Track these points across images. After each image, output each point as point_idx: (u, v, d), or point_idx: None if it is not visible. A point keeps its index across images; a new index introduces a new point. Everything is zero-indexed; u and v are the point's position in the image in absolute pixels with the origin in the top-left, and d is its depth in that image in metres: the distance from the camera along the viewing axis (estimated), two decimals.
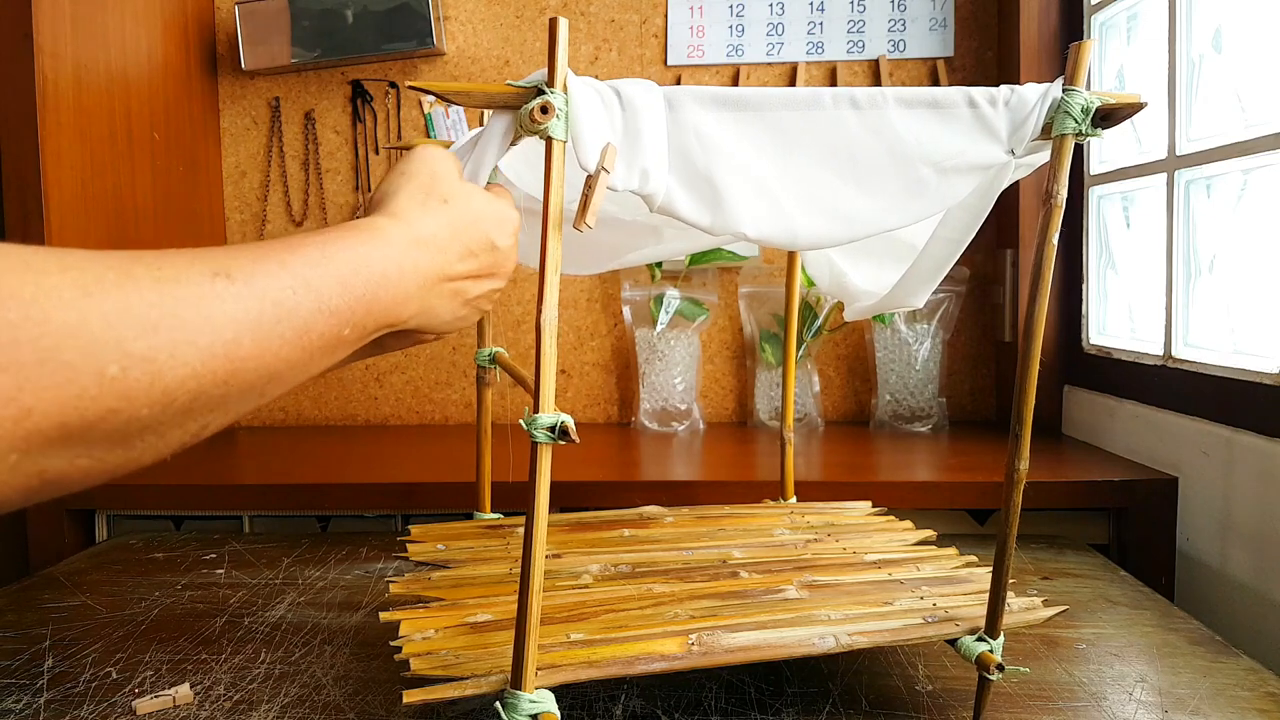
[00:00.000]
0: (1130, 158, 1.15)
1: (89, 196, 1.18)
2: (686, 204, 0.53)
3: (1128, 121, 0.54)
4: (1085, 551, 0.99)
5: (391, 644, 0.59)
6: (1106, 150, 1.23)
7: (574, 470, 1.09)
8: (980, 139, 0.54)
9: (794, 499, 0.92)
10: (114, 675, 0.71)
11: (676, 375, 1.39)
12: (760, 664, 0.65)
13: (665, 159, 0.52)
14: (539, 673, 0.52)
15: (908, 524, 0.84)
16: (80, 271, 0.32)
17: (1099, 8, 1.22)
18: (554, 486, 0.50)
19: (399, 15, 1.39)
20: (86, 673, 0.71)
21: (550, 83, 0.49)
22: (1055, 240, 0.54)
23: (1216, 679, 0.69)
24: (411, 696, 0.53)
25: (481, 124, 0.56)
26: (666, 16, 1.45)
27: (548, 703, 0.50)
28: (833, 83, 1.44)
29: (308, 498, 1.08)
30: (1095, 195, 1.25)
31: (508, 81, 0.50)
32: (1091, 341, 1.25)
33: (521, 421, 0.48)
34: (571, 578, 0.71)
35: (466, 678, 0.54)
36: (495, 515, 0.85)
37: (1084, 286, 1.26)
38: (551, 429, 0.48)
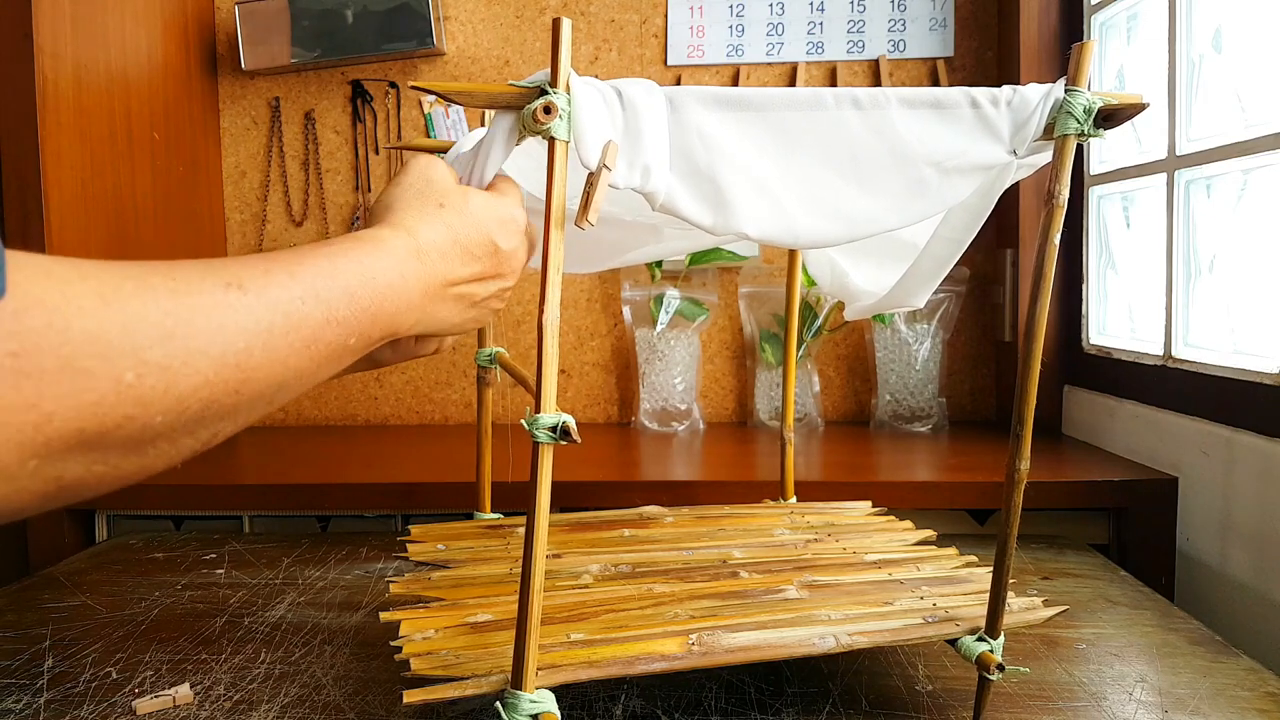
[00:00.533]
0: (1130, 158, 1.15)
1: (89, 196, 1.18)
2: (688, 203, 0.53)
3: (1128, 121, 0.54)
4: (1085, 551, 0.99)
5: (391, 644, 0.59)
6: (1106, 150, 1.23)
7: (574, 470, 1.09)
8: (982, 139, 0.54)
9: (794, 499, 0.92)
10: (114, 675, 0.71)
11: (676, 375, 1.39)
12: (760, 664, 0.65)
13: (667, 158, 0.52)
14: (539, 673, 0.52)
15: (908, 524, 0.84)
16: (99, 281, 0.32)
17: (1099, 8, 1.22)
18: (554, 486, 0.50)
19: (399, 15, 1.39)
20: (86, 673, 0.71)
21: (553, 83, 0.49)
22: (1057, 240, 0.54)
23: (1216, 679, 0.69)
24: (412, 696, 0.53)
25: (483, 124, 0.56)
26: (666, 16, 1.45)
27: (548, 703, 0.50)
28: (833, 83, 1.45)
29: (308, 498, 1.08)
30: (1095, 195, 1.25)
31: (510, 81, 0.50)
32: (1091, 341, 1.25)
33: (523, 421, 0.48)
34: (572, 578, 0.71)
35: (467, 678, 0.54)
36: (495, 515, 0.85)
37: (1084, 286, 1.26)
38: (553, 429, 0.48)
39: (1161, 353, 1.05)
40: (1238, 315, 0.95)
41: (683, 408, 1.39)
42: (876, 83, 1.43)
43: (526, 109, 0.49)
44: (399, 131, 1.48)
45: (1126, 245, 1.20)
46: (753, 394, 1.44)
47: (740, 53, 1.44)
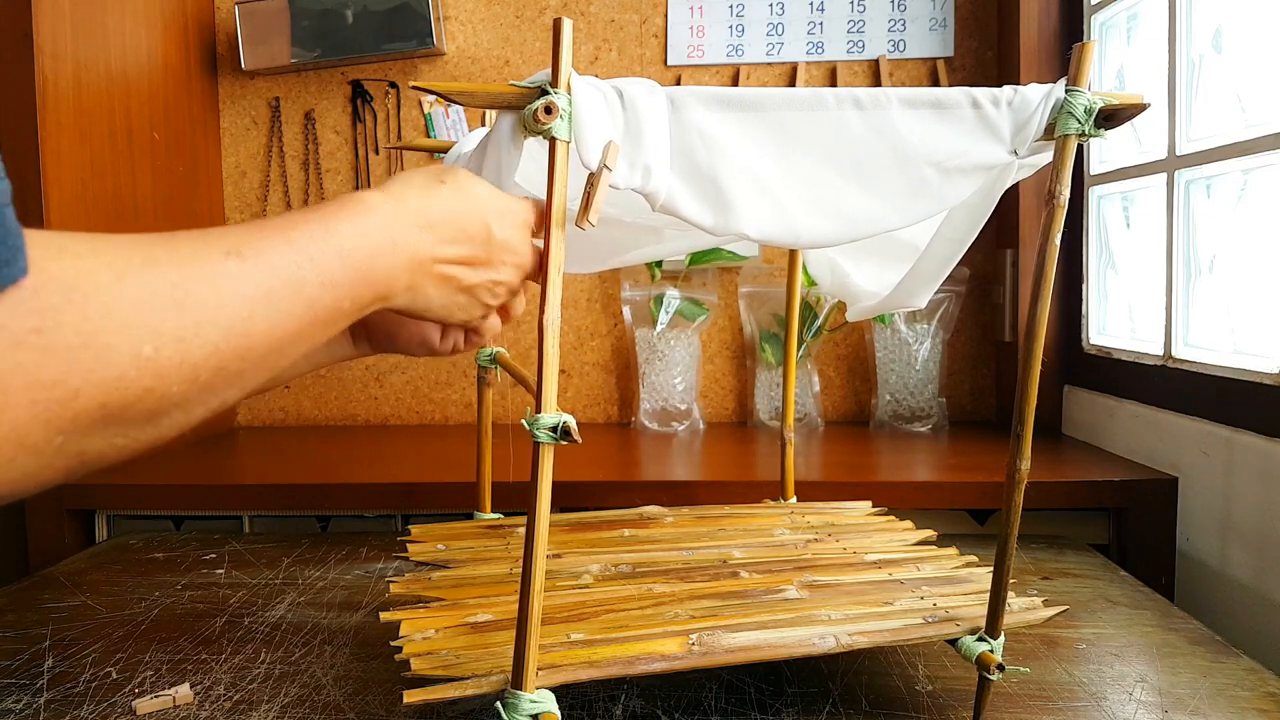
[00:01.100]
0: (1130, 158, 1.15)
1: (89, 196, 1.18)
2: (689, 203, 0.53)
3: (1128, 121, 0.54)
4: (1085, 551, 0.99)
5: (392, 644, 0.59)
6: (1107, 150, 1.23)
7: (574, 470, 1.09)
8: (983, 139, 0.55)
9: (794, 499, 0.92)
10: (114, 675, 0.71)
11: (676, 375, 1.39)
12: (760, 664, 0.65)
13: (667, 158, 0.52)
14: (539, 673, 0.52)
15: (908, 524, 0.84)
16: (110, 255, 0.33)
17: (1099, 8, 1.22)
18: (554, 486, 0.50)
19: (399, 15, 1.39)
20: (86, 673, 0.71)
21: (554, 83, 0.49)
22: (1057, 240, 0.54)
23: (1216, 679, 0.69)
24: (412, 696, 0.53)
25: (483, 124, 0.56)
26: (666, 16, 1.45)
27: (548, 703, 0.50)
28: (833, 83, 1.44)
29: (308, 498, 1.08)
30: (1095, 195, 1.25)
31: (511, 82, 0.50)
32: (1091, 341, 1.25)
33: (524, 421, 0.48)
34: (572, 578, 0.71)
35: (467, 678, 0.54)
36: (495, 515, 0.85)
37: (1084, 286, 1.26)
38: (554, 429, 0.48)
39: (1161, 353, 1.05)
40: (1238, 315, 0.95)
41: (683, 408, 1.39)
42: (876, 83, 1.43)
43: (527, 109, 0.49)
44: (399, 131, 1.48)
45: (1126, 245, 1.20)
46: (753, 394, 1.44)
47: (740, 53, 1.44)
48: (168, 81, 1.36)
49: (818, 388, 1.42)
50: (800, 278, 0.89)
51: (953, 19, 1.42)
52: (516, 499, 0.97)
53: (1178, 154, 1.02)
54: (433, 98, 1.47)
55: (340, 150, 1.49)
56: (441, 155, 0.60)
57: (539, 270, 0.53)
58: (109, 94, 1.22)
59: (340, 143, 1.49)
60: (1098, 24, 1.24)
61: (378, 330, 0.59)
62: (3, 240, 0.29)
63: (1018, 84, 0.55)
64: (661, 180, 0.52)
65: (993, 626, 0.60)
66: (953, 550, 0.77)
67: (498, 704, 0.50)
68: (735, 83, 1.46)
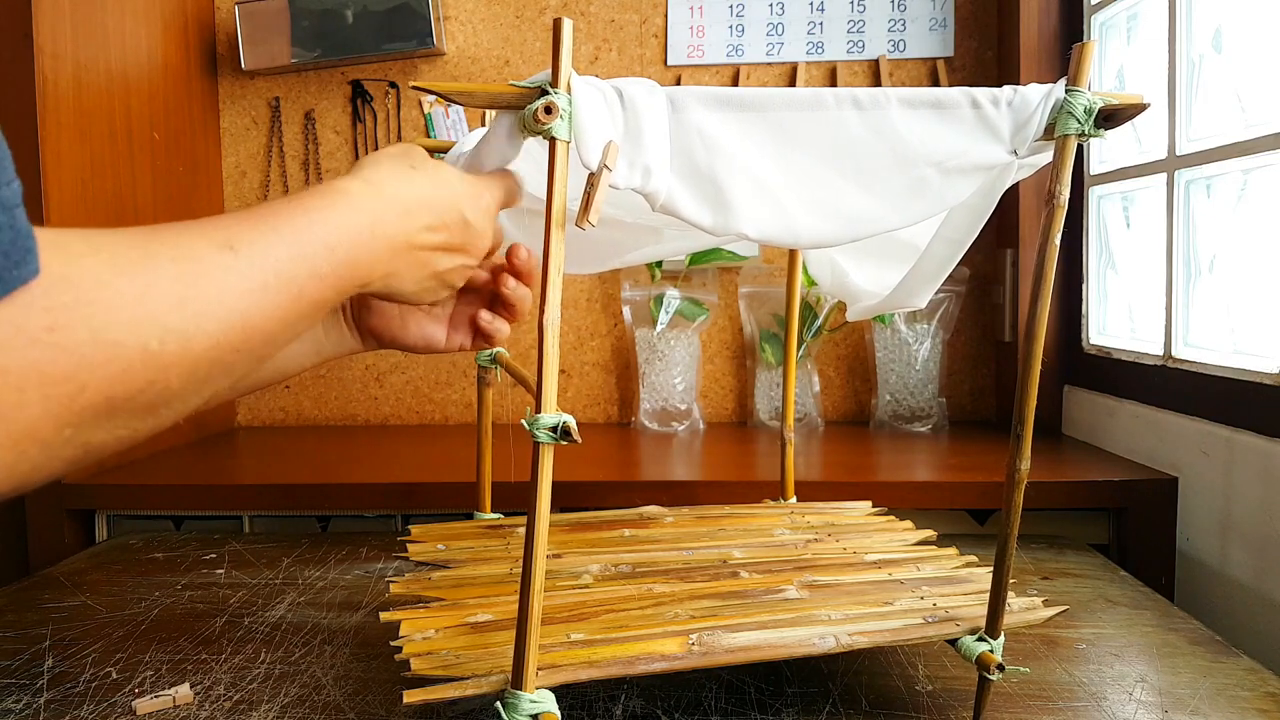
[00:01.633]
0: (1130, 158, 1.15)
1: (89, 196, 1.18)
2: (689, 203, 0.53)
3: (1128, 121, 0.54)
4: (1085, 551, 0.99)
5: (392, 644, 0.59)
6: (1106, 150, 1.23)
7: (574, 470, 1.09)
8: (983, 139, 0.54)
9: (794, 499, 0.92)
10: (114, 675, 0.71)
11: (676, 375, 1.39)
12: (760, 664, 0.65)
13: (667, 158, 0.52)
14: (539, 673, 0.52)
15: (908, 524, 0.84)
16: (111, 251, 0.34)
17: (1099, 8, 1.22)
18: (554, 486, 0.50)
19: (399, 15, 1.39)
20: (86, 673, 0.71)
21: (554, 83, 0.49)
22: (1057, 240, 0.54)
23: (1216, 679, 0.69)
24: (412, 696, 0.53)
25: (483, 124, 0.56)
26: (666, 16, 1.45)
27: (548, 703, 0.50)
28: (833, 83, 1.44)
29: (308, 498, 1.08)
30: (1095, 195, 1.25)
31: (511, 82, 0.50)
32: (1091, 341, 1.25)
33: (524, 421, 0.48)
34: (572, 578, 0.71)
35: (467, 678, 0.54)
36: (495, 515, 0.85)
37: (1084, 286, 1.26)
38: (554, 429, 0.48)
39: (1161, 353, 1.05)
40: (1238, 315, 0.95)
41: (683, 408, 1.39)
42: (876, 83, 1.43)
43: (527, 109, 0.49)
44: (399, 132, 1.48)
45: (1126, 245, 1.20)
46: (753, 394, 1.44)
47: (740, 53, 1.44)
48: (168, 81, 1.36)
49: (818, 388, 1.42)
50: (800, 278, 0.89)
51: (953, 19, 1.42)
52: (516, 499, 0.97)
53: (1178, 154, 1.02)
54: (433, 98, 1.46)
55: (340, 150, 1.49)
56: (442, 155, 0.60)
57: (494, 252, 0.54)
58: (109, 94, 1.22)
59: (340, 143, 1.49)
60: (1098, 24, 1.24)
61: (383, 328, 0.59)
62: (15, 241, 0.30)
63: (1018, 84, 0.55)
64: (661, 180, 0.52)
65: (993, 626, 0.60)
66: (953, 550, 0.77)
67: (498, 704, 0.50)
68: (735, 83, 1.46)
